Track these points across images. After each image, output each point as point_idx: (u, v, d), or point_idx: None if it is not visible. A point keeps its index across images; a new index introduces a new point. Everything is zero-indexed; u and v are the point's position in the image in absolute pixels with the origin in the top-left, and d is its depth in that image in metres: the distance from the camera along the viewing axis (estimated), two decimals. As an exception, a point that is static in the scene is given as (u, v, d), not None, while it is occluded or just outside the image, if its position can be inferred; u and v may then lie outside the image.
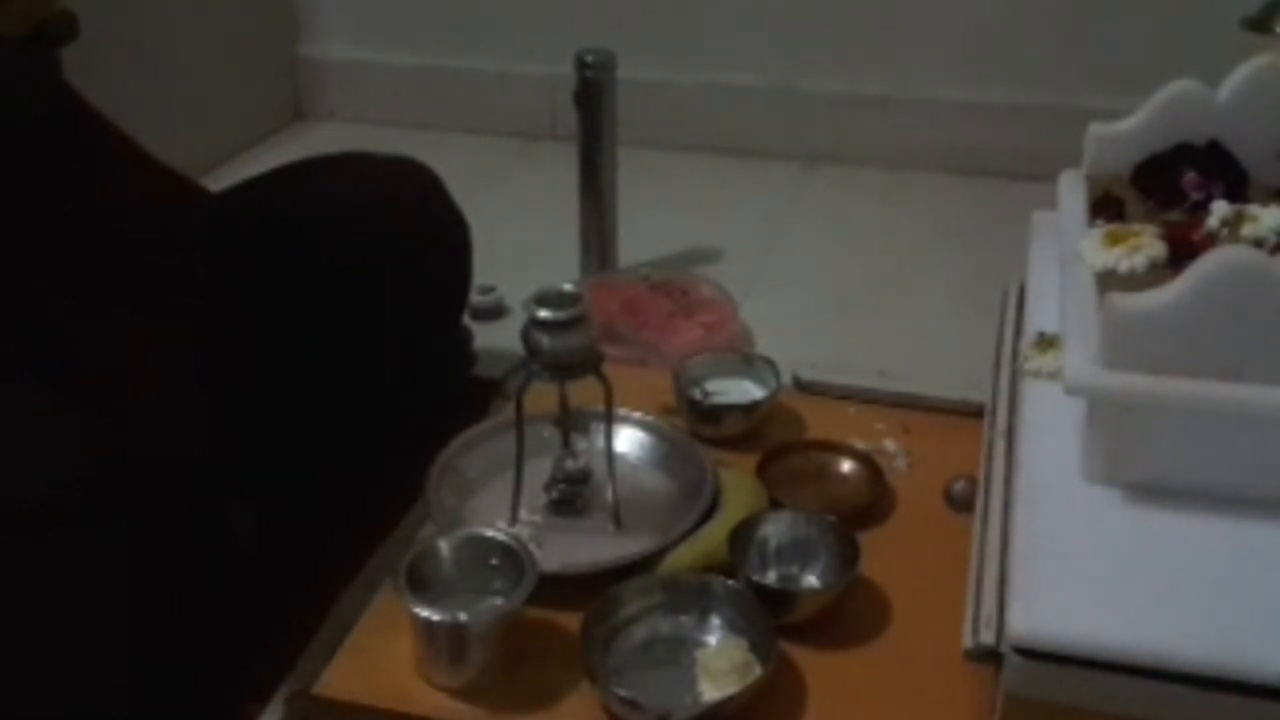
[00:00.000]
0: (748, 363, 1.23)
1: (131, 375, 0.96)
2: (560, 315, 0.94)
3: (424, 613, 0.87)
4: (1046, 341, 0.92)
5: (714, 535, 0.99)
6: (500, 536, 0.95)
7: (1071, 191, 0.99)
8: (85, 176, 1.02)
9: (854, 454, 1.12)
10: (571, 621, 0.91)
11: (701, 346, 1.33)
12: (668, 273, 1.61)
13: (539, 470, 1.06)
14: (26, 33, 0.90)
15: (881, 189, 1.94)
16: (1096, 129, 1.00)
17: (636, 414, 1.13)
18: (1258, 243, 0.81)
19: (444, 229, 1.25)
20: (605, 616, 0.91)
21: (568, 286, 0.97)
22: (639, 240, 1.67)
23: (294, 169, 1.23)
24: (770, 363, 1.21)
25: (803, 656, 0.91)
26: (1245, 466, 0.76)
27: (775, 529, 0.99)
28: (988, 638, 0.75)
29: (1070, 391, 0.77)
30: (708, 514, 1.02)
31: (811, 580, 0.97)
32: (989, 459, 0.94)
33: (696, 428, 1.15)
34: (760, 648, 0.88)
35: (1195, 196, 0.92)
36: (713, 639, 0.92)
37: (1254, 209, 0.84)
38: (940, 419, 1.18)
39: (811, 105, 2.01)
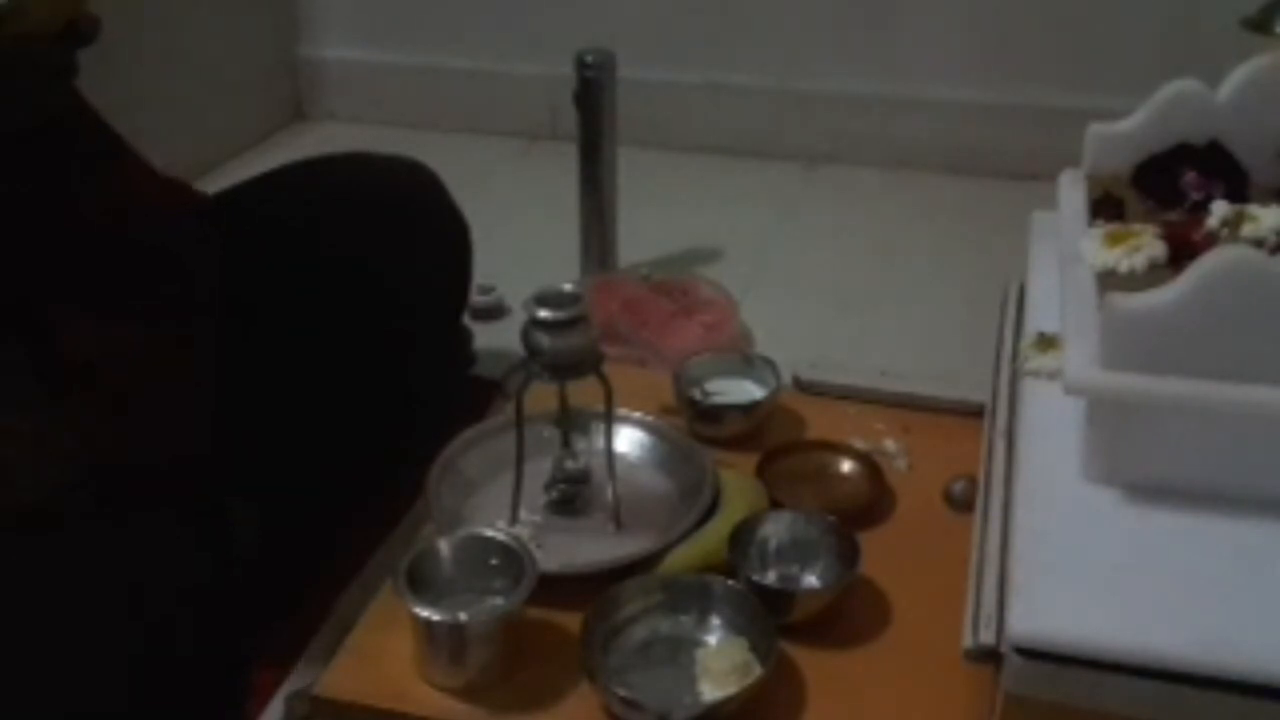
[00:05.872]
0: (748, 363, 1.23)
1: (133, 376, 0.96)
2: (560, 315, 0.94)
3: (424, 613, 0.87)
4: (1046, 341, 0.92)
5: (714, 535, 0.99)
6: (500, 536, 0.95)
7: (1071, 191, 0.99)
8: (86, 178, 1.02)
9: (854, 454, 1.12)
10: (571, 621, 0.91)
11: (701, 346, 1.33)
12: (668, 273, 1.61)
13: (539, 470, 1.06)
14: (55, 31, 0.90)
15: (881, 189, 1.94)
16: (1096, 129, 1.00)
17: (636, 414, 1.13)
18: (1258, 243, 0.81)
19: (444, 229, 1.25)
20: (605, 616, 0.91)
21: (568, 286, 0.97)
22: (639, 240, 1.68)
23: (294, 169, 1.23)
24: (770, 363, 1.21)
25: (803, 656, 0.91)
26: (1245, 466, 0.76)
27: (775, 529, 0.99)
28: (988, 638, 0.75)
29: (1070, 391, 0.77)
30: (708, 514, 1.02)
31: (811, 580, 0.97)
32: (989, 459, 0.94)
33: (696, 428, 1.15)
34: (760, 648, 0.88)
35: (1195, 196, 0.92)
36: (713, 639, 0.92)
37: (1254, 209, 0.84)
38: (940, 419, 1.18)
39: (811, 105, 2.02)
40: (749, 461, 1.10)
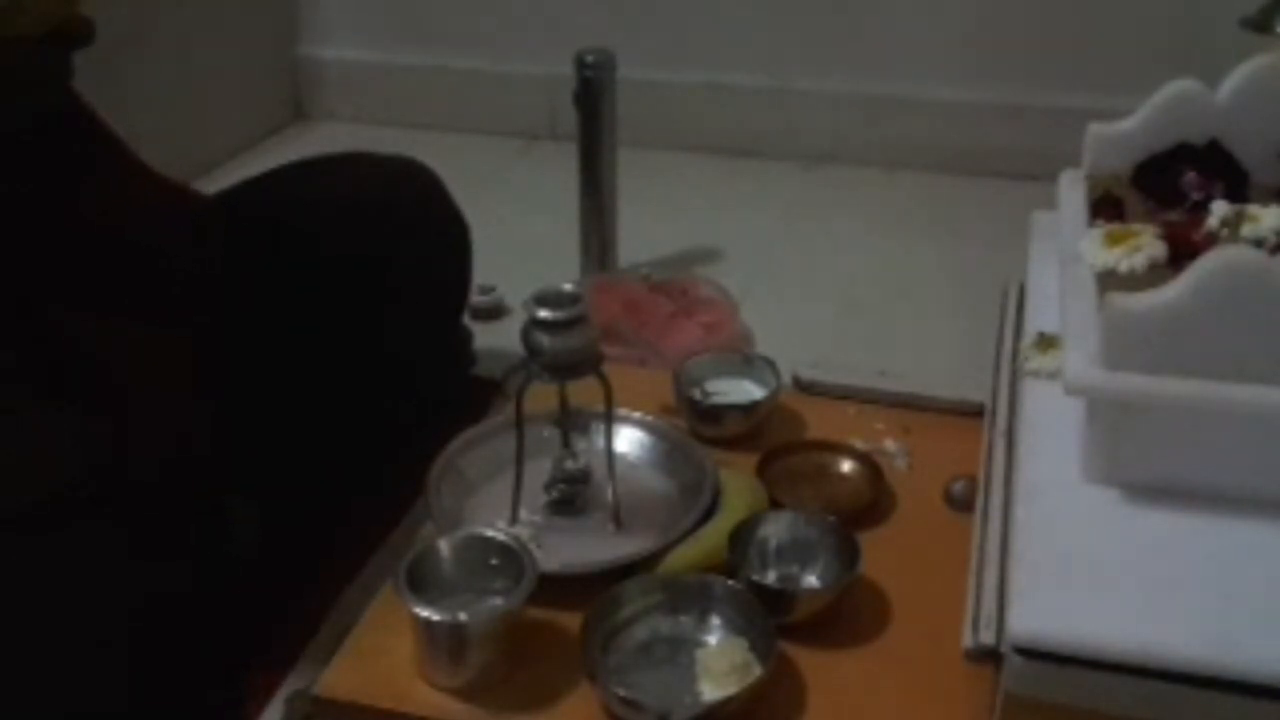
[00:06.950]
0: (748, 363, 1.23)
1: (132, 377, 0.96)
2: (560, 315, 0.94)
3: (424, 613, 0.87)
4: (1046, 341, 0.92)
5: (714, 535, 0.98)
6: (500, 536, 0.95)
7: (1071, 191, 0.99)
8: (85, 179, 1.02)
9: (854, 454, 1.12)
10: (571, 621, 0.91)
11: (701, 346, 1.33)
12: (668, 273, 1.61)
13: (539, 470, 1.06)
14: (43, 34, 0.90)
15: (881, 189, 1.94)
16: (1096, 129, 1.00)
17: (636, 414, 1.13)
18: (1258, 243, 0.81)
19: (444, 229, 1.25)
20: (605, 616, 0.91)
21: (568, 286, 0.97)
22: (639, 240, 1.68)
23: (294, 169, 1.23)
24: (770, 363, 1.21)
25: (803, 656, 0.91)
26: (1245, 466, 0.77)
27: (775, 529, 0.99)
28: (988, 638, 0.75)
29: (1070, 391, 0.78)
30: (708, 514, 1.02)
31: (811, 580, 0.97)
32: (989, 459, 0.94)
33: (696, 428, 1.15)
34: (760, 648, 0.88)
35: (1195, 196, 0.92)
36: (713, 639, 0.92)
37: (1254, 209, 0.84)
38: (940, 419, 1.18)
39: (811, 105, 2.02)
40: (749, 461, 1.10)
